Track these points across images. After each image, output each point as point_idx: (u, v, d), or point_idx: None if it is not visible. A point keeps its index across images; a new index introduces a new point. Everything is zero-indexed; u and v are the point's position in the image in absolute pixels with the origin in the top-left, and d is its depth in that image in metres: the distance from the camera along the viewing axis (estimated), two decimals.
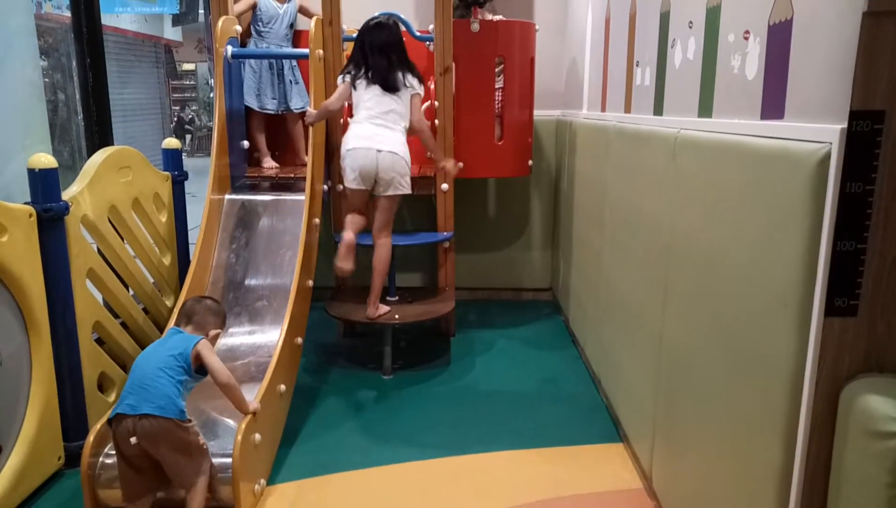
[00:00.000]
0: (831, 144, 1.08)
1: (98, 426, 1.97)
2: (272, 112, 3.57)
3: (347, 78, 2.90)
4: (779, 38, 1.27)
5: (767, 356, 1.24)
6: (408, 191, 2.91)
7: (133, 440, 1.79)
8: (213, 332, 2.07)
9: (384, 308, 3.05)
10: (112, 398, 2.44)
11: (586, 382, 2.96)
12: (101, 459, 1.94)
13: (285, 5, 3.57)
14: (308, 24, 3.54)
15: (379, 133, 2.81)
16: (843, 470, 1.09)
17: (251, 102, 3.49)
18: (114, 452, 1.96)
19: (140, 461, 1.84)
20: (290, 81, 3.58)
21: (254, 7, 3.50)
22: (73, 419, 2.22)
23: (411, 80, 2.87)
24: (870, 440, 1.01)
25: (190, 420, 1.87)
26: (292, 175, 3.26)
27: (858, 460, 1.04)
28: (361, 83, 2.86)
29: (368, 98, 2.84)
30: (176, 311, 2.54)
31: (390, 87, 2.83)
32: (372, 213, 2.96)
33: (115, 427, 1.83)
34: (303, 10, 3.66)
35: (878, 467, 0.99)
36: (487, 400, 2.79)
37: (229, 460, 1.91)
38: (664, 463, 1.91)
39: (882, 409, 1.00)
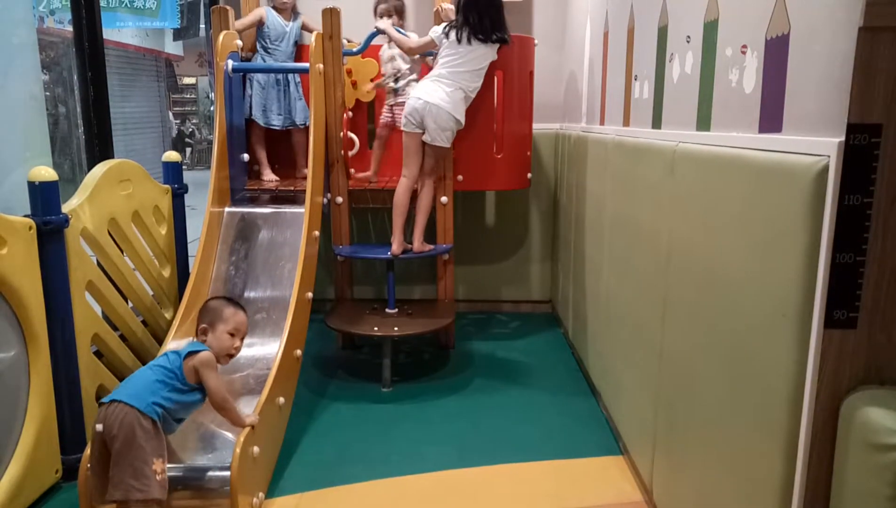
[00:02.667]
0: (829, 157, 1.08)
1: None
2: (277, 127, 3.59)
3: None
4: (776, 53, 1.28)
5: (767, 369, 1.24)
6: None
7: (98, 426, 1.79)
8: (217, 333, 2.00)
9: (428, 246, 3.26)
10: None
11: (586, 394, 2.95)
12: None
13: (291, 23, 3.60)
14: (308, 39, 3.57)
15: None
16: (844, 483, 1.08)
17: (258, 117, 3.51)
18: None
19: (100, 461, 1.81)
20: (295, 98, 3.61)
21: (261, 24, 3.53)
22: (70, 431, 2.21)
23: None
24: (871, 452, 1.01)
25: (156, 422, 1.81)
26: (292, 188, 3.27)
27: (859, 473, 1.04)
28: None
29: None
30: (176, 323, 2.54)
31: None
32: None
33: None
34: (305, 27, 3.68)
35: (879, 480, 0.98)
36: (487, 413, 2.78)
37: (228, 473, 1.90)
38: (665, 476, 1.91)
39: (883, 421, 1.00)
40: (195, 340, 2.03)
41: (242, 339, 2.05)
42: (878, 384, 1.11)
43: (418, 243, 3.23)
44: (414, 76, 3.44)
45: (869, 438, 1.02)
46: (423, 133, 3.09)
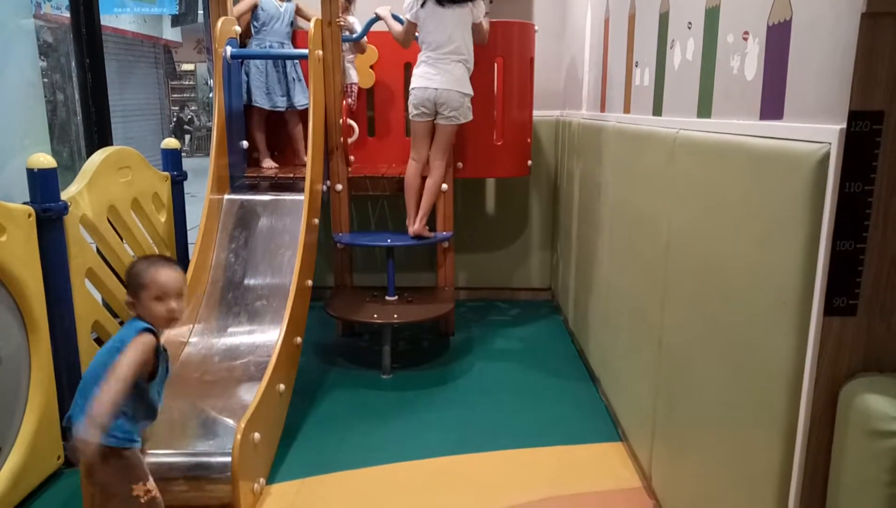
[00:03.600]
0: (830, 144, 1.08)
1: None
2: (282, 109, 3.58)
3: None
4: (778, 39, 1.28)
5: (767, 356, 1.25)
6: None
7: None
8: (143, 303, 1.63)
9: (428, 232, 3.26)
10: None
11: (585, 381, 2.96)
12: None
13: (285, 4, 3.57)
14: (304, 25, 3.55)
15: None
16: (842, 469, 1.09)
17: (261, 101, 3.50)
18: None
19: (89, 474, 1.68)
20: (294, 79, 3.60)
21: (255, 7, 3.51)
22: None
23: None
24: (869, 439, 1.01)
25: (121, 450, 1.59)
26: (291, 175, 3.26)
27: (858, 459, 1.05)
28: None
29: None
30: None
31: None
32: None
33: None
34: (299, 12, 3.66)
35: (877, 466, 0.99)
36: (487, 399, 2.79)
37: (228, 459, 1.91)
38: (663, 462, 1.92)
39: (881, 408, 1.00)
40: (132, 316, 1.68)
41: (179, 297, 1.65)
42: (877, 371, 1.11)
43: (420, 226, 3.23)
44: (352, 57, 3.52)
45: (867, 425, 1.02)
46: (435, 118, 3.10)
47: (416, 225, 3.23)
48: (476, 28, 3.11)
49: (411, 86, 3.12)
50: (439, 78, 3.03)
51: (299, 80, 3.61)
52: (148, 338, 1.59)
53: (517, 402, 2.77)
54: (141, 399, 1.63)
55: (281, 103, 3.56)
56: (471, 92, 3.11)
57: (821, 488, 1.15)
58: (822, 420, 1.13)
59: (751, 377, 1.32)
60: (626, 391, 2.35)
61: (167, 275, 1.64)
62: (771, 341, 1.23)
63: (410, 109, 3.13)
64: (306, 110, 3.22)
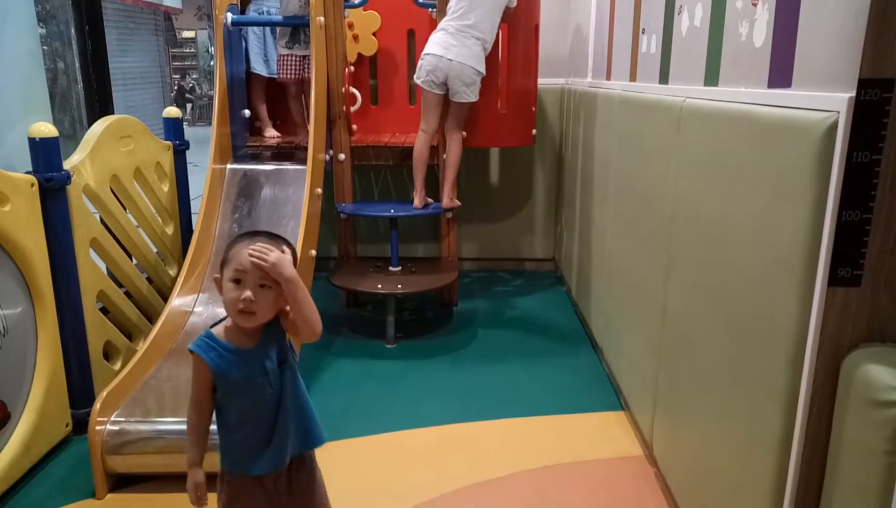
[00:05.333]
0: (839, 113, 1.06)
1: (104, 393, 1.99)
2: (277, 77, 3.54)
3: None
4: (788, 5, 1.25)
5: (769, 326, 1.25)
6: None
7: None
8: (223, 285, 1.30)
9: (457, 202, 3.29)
10: (118, 366, 2.47)
11: (588, 351, 2.98)
12: (107, 426, 1.97)
13: None
14: None
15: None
16: (842, 439, 1.10)
17: (259, 67, 3.46)
18: (121, 419, 1.99)
19: None
20: None
21: None
22: (79, 387, 2.24)
23: None
24: (870, 408, 1.02)
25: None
26: (294, 144, 3.24)
27: (858, 428, 1.05)
28: None
29: None
30: (180, 280, 2.55)
31: None
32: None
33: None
34: None
35: (877, 435, 0.99)
36: (489, 369, 2.81)
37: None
38: (665, 431, 1.93)
39: (883, 378, 1.01)
40: None
41: (263, 288, 1.26)
42: (879, 342, 1.11)
43: (448, 200, 3.24)
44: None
45: (869, 395, 1.02)
46: (445, 91, 3.07)
47: (445, 199, 3.25)
48: (507, 12, 3.07)
49: (425, 51, 3.06)
50: (456, 50, 2.99)
51: None
52: (193, 360, 1.32)
53: (520, 371, 2.79)
54: (225, 425, 1.36)
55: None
56: (484, 72, 3.08)
57: (820, 457, 1.15)
58: (824, 391, 1.14)
59: (753, 348, 1.32)
60: (629, 360, 2.36)
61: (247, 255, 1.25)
62: (774, 311, 1.23)
63: (419, 73, 3.07)
64: (308, 79, 3.19)
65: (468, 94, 3.06)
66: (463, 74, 3.00)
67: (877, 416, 1.00)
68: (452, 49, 2.98)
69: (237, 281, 1.26)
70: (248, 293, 1.25)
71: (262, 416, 1.33)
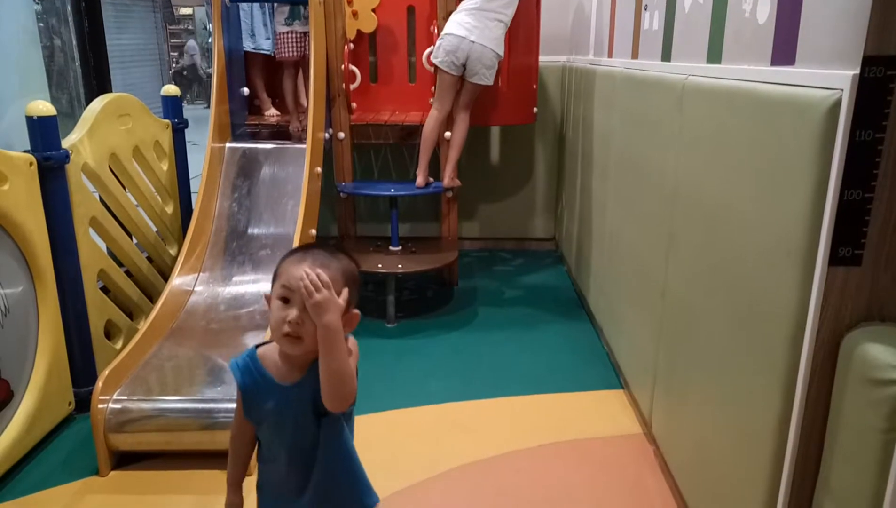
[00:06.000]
0: (842, 90, 1.05)
1: (106, 371, 2.00)
2: (267, 52, 3.51)
3: None
4: None
5: (770, 305, 1.25)
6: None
7: None
8: (272, 302, 1.14)
9: (457, 181, 3.29)
10: (119, 345, 2.48)
11: (588, 330, 2.99)
12: (109, 404, 1.98)
13: None
14: None
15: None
16: (840, 418, 1.10)
17: (246, 43, 3.43)
18: (123, 397, 2.00)
19: None
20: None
21: None
22: (81, 365, 2.25)
23: None
24: (868, 387, 1.02)
25: None
26: (287, 126, 3.22)
27: (856, 407, 1.06)
28: None
29: None
30: (181, 260, 2.55)
31: None
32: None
33: None
34: None
35: (875, 413, 1.00)
36: (490, 348, 2.82)
37: (235, 405, 1.94)
38: (664, 409, 1.95)
39: (882, 357, 1.01)
40: None
41: (304, 308, 1.06)
42: (879, 321, 1.11)
43: (449, 180, 3.24)
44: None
45: (868, 373, 1.03)
46: (463, 73, 3.04)
47: (446, 179, 3.24)
48: None
49: (445, 31, 3.03)
50: (479, 32, 2.97)
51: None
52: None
53: (520, 350, 2.80)
54: (259, 452, 1.24)
55: (265, 46, 3.50)
56: (503, 55, 3.07)
57: (819, 435, 1.16)
58: (823, 370, 1.14)
59: (753, 327, 1.32)
60: (628, 339, 2.37)
61: (298, 272, 1.07)
62: (774, 290, 1.23)
63: (438, 52, 3.03)
64: (307, 57, 3.16)
65: (487, 77, 3.06)
66: (484, 57, 2.99)
67: (875, 394, 1.00)
68: (475, 31, 2.96)
69: (285, 299, 1.09)
70: (294, 314, 1.07)
71: (294, 462, 1.17)
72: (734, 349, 1.41)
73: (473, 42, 2.95)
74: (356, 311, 1.16)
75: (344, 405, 1.12)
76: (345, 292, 1.09)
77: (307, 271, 1.04)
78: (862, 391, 1.04)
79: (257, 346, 1.21)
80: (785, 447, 1.20)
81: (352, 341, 1.16)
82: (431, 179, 3.25)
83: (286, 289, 1.09)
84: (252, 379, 1.17)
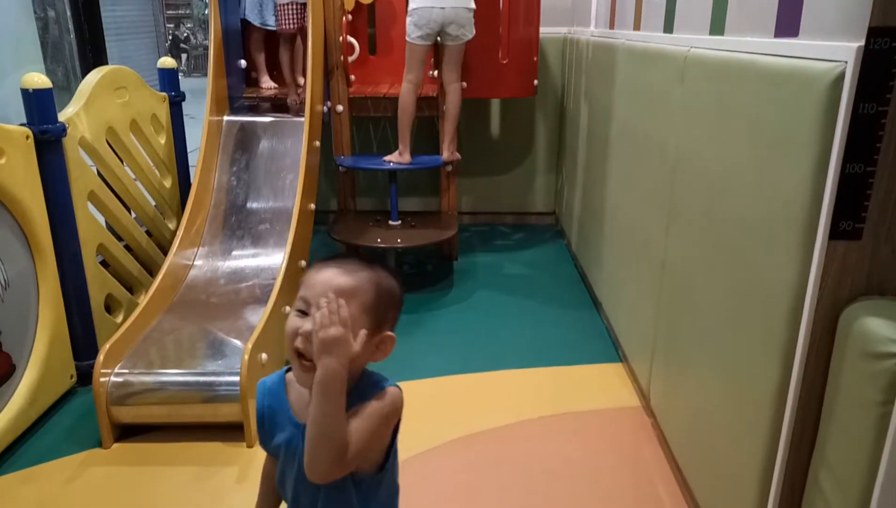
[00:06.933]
0: (846, 62, 1.04)
1: (108, 345, 2.01)
2: (272, 28, 3.47)
3: None
4: None
5: (769, 279, 1.25)
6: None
7: None
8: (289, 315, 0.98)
9: (457, 155, 3.26)
10: (119, 318, 2.48)
11: (587, 304, 2.99)
12: (111, 378, 1.99)
13: None
14: None
15: None
16: (838, 390, 1.11)
17: (252, 16, 3.39)
18: (125, 370, 2.02)
19: None
20: None
21: None
22: (82, 339, 2.26)
23: None
24: (866, 360, 1.03)
25: None
26: (286, 99, 3.19)
27: (854, 380, 1.06)
28: None
29: None
30: (180, 233, 2.54)
31: None
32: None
33: None
34: None
35: (872, 386, 1.01)
36: (489, 322, 2.83)
37: (237, 378, 1.96)
38: (662, 382, 1.96)
39: (880, 331, 1.01)
40: None
41: (325, 324, 0.88)
42: (878, 295, 1.12)
43: (448, 153, 3.20)
44: None
45: (866, 347, 1.03)
46: (438, 39, 2.99)
47: (445, 153, 3.21)
48: None
49: (413, 5, 2.96)
50: None
51: None
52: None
53: (519, 324, 2.81)
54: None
55: (271, 22, 3.45)
56: (474, 6, 3.00)
57: (815, 408, 1.17)
58: (821, 343, 1.14)
59: (752, 301, 1.32)
60: (628, 313, 2.37)
61: (325, 277, 0.94)
62: (774, 264, 1.23)
63: (411, 29, 2.98)
64: (305, 28, 3.12)
65: (466, 33, 3.00)
66: (459, 17, 2.94)
67: (873, 368, 1.01)
68: None
69: (302, 312, 0.94)
70: (308, 327, 0.91)
71: (289, 484, 1.01)
72: (733, 322, 1.42)
73: (444, 8, 2.89)
74: (390, 334, 1.01)
75: (325, 477, 0.92)
76: (362, 333, 0.93)
77: (329, 297, 0.89)
78: (860, 365, 1.05)
79: (289, 369, 1.03)
80: (782, 419, 1.21)
81: (392, 394, 1.01)
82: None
83: (304, 302, 0.93)
84: (270, 403, 1.05)
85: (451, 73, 3.09)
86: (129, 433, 2.04)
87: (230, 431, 2.01)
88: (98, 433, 1.98)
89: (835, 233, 1.09)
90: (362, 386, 0.98)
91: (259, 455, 1.23)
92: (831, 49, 1.08)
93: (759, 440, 1.27)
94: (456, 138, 3.26)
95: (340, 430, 0.90)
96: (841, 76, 1.05)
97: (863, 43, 1.01)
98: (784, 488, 1.23)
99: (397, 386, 1.01)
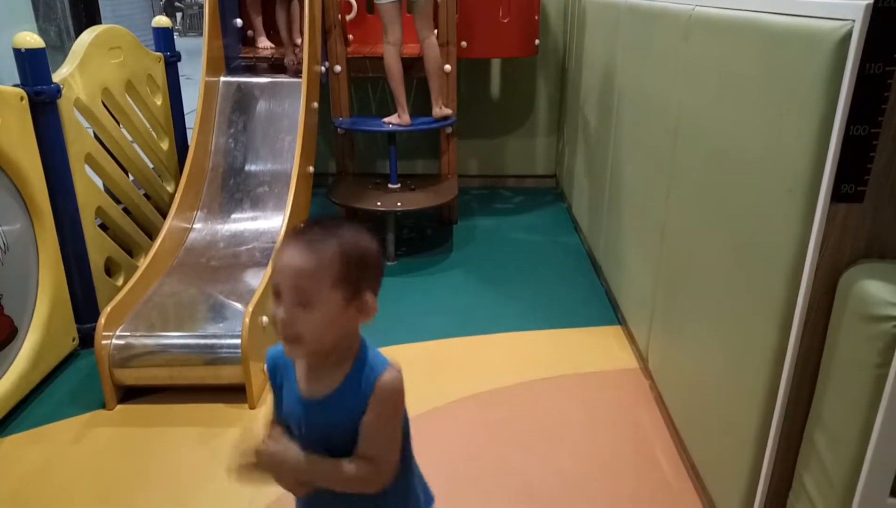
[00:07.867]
0: (854, 21, 1.02)
1: (109, 307, 2.02)
2: None
3: None
4: None
5: (769, 242, 1.24)
6: None
7: None
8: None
9: (447, 109, 3.19)
10: (120, 281, 2.49)
11: (587, 268, 3.00)
12: (113, 340, 2.00)
13: None
14: None
15: None
16: (835, 352, 1.12)
17: None
18: (127, 333, 2.03)
19: None
20: None
21: None
22: (83, 302, 2.27)
23: None
24: (864, 323, 1.03)
25: None
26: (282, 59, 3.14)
27: (851, 342, 1.07)
28: None
29: None
30: (178, 196, 2.53)
31: None
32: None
33: None
34: None
35: (870, 349, 1.01)
36: (489, 285, 2.84)
37: (238, 341, 1.97)
38: (661, 345, 1.97)
39: (879, 293, 1.01)
40: None
41: (298, 305, 0.87)
42: (878, 257, 1.11)
43: (439, 108, 3.15)
44: None
45: (864, 309, 1.03)
46: None
47: (435, 109, 3.15)
48: None
49: None
50: None
51: None
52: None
53: (519, 287, 2.81)
54: None
55: None
56: None
57: (813, 370, 1.18)
58: (820, 306, 1.15)
59: (752, 263, 1.32)
60: (627, 276, 2.38)
61: (288, 261, 0.88)
62: (774, 226, 1.22)
63: None
64: None
65: None
66: None
67: (870, 330, 1.01)
68: None
69: (276, 295, 0.88)
70: (282, 313, 0.87)
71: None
72: (732, 284, 1.42)
73: None
74: (369, 297, 0.97)
75: (383, 487, 0.96)
76: (333, 312, 0.90)
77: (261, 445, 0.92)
78: (858, 327, 1.05)
79: None
80: (779, 381, 1.22)
81: (393, 383, 1.01)
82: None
83: (275, 287, 0.88)
84: (280, 378, 1.00)
85: (423, 29, 3.02)
86: (131, 394, 2.06)
87: (232, 393, 2.03)
88: (101, 394, 2.00)
89: (836, 196, 1.08)
90: (358, 365, 0.99)
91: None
92: (839, 7, 1.06)
93: (756, 400, 1.28)
94: (447, 94, 3.20)
95: (350, 483, 0.93)
96: (848, 35, 1.03)
97: (871, 0, 0.99)
98: (780, 447, 1.25)
99: (395, 366, 1.01)
